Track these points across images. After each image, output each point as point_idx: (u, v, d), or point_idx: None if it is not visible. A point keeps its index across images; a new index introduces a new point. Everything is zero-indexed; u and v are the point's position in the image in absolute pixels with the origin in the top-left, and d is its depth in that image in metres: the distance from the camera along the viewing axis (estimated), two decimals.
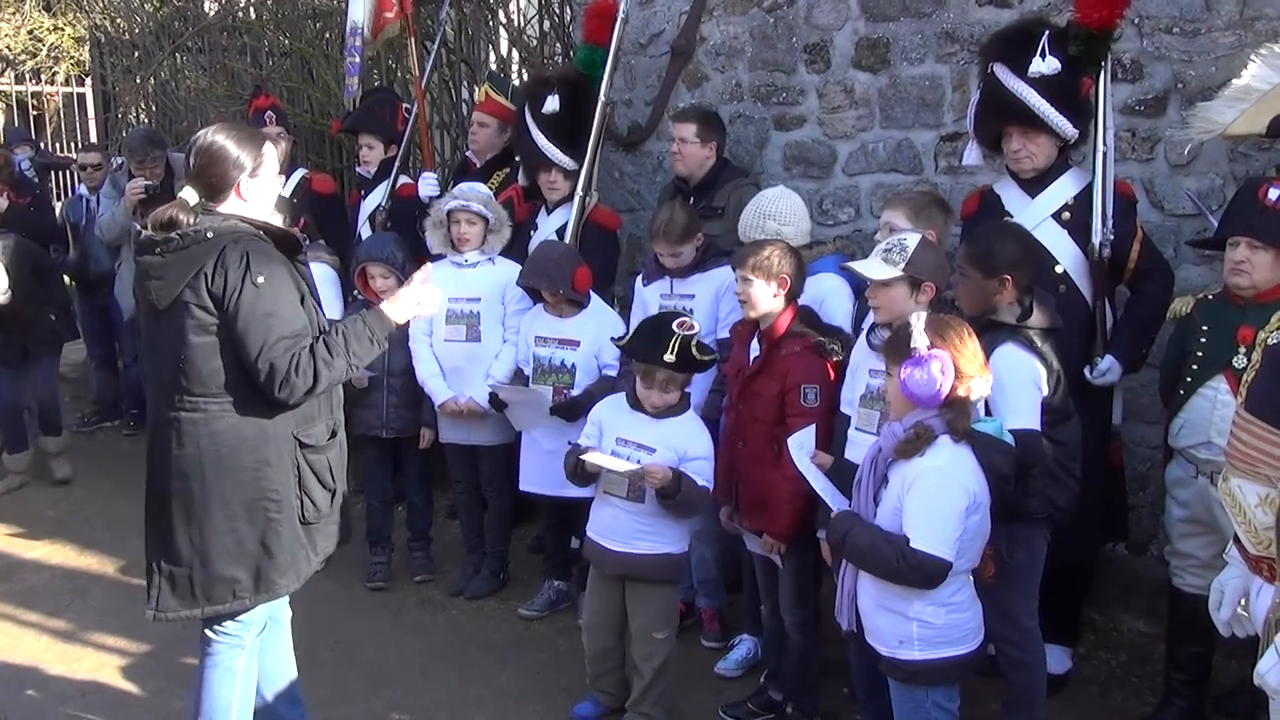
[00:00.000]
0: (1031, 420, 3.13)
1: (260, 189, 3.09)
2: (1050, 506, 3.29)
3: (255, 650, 3.25)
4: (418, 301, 3.20)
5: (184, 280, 2.94)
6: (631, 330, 3.74)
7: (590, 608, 3.83)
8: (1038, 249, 3.44)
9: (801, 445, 3.25)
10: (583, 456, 3.62)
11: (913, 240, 3.27)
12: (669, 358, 3.54)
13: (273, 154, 3.13)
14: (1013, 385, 3.13)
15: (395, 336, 4.68)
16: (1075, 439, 3.35)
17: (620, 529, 3.67)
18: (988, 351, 3.07)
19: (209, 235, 2.95)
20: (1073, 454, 3.33)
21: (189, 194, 3.04)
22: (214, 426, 2.99)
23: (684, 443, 3.64)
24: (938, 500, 2.78)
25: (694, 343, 3.58)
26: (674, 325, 3.58)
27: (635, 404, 3.69)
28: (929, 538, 2.76)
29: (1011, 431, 3.04)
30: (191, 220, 2.97)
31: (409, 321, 4.74)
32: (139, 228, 3.05)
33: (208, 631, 3.21)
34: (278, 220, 3.20)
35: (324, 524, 3.18)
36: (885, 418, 3.17)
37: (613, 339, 4.02)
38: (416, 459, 5.07)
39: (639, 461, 3.59)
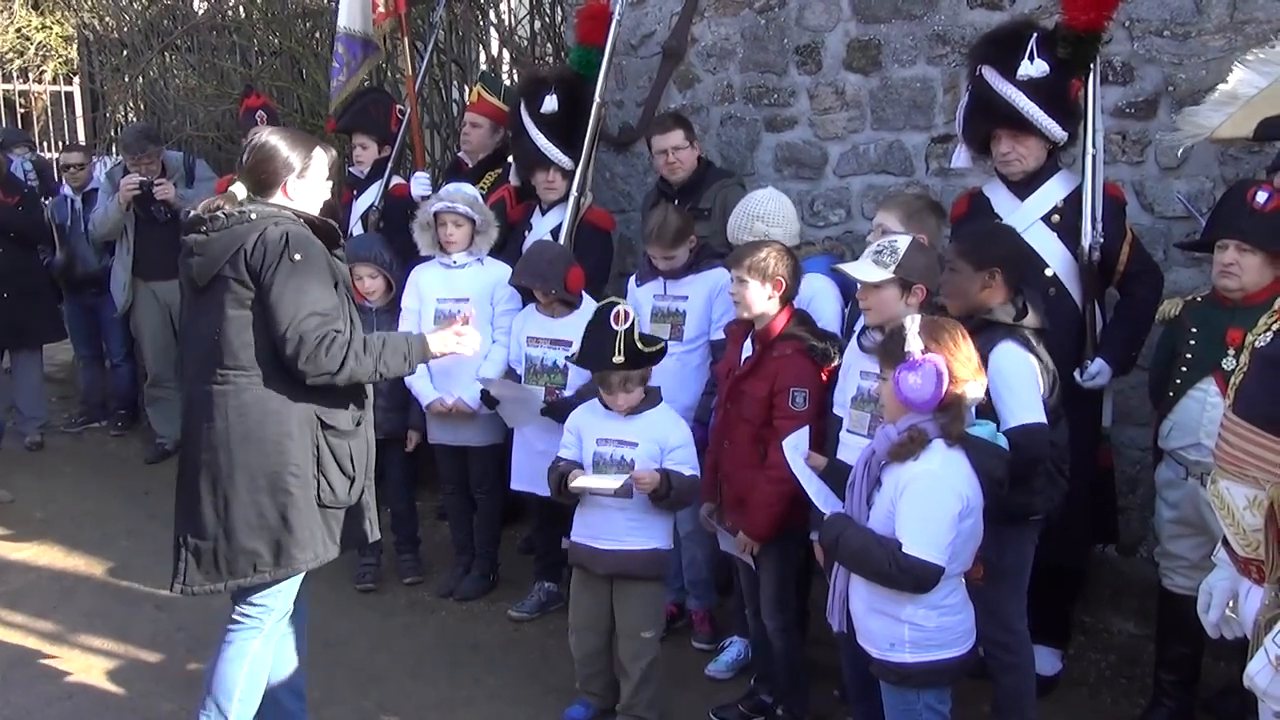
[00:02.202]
0: (1037, 414, 3.12)
1: (307, 190, 3.24)
2: (1049, 505, 3.30)
3: (272, 636, 3.28)
4: (458, 341, 3.39)
5: (225, 257, 3.07)
6: (579, 343, 3.77)
7: (577, 610, 3.82)
8: (1026, 248, 3.44)
9: (796, 447, 3.25)
10: (572, 485, 3.62)
11: (904, 242, 3.26)
12: (618, 359, 3.56)
13: (322, 158, 3.27)
14: (1017, 381, 3.13)
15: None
16: (1065, 440, 3.35)
17: (611, 528, 3.67)
18: (985, 350, 3.07)
19: (252, 217, 3.10)
20: (1064, 454, 3.33)
21: (238, 188, 3.19)
22: (242, 399, 3.09)
23: (663, 433, 3.66)
24: (930, 505, 2.78)
25: (636, 336, 3.59)
26: (612, 324, 3.59)
27: (608, 406, 3.71)
28: (921, 542, 2.75)
29: (1019, 427, 3.05)
30: (236, 208, 3.12)
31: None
32: (188, 213, 3.21)
33: (233, 614, 3.26)
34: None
35: (342, 513, 3.24)
36: (877, 420, 3.17)
37: (566, 358, 4.09)
38: (399, 464, 5.05)
39: (624, 458, 3.62)
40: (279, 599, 3.25)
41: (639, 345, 3.59)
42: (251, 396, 3.09)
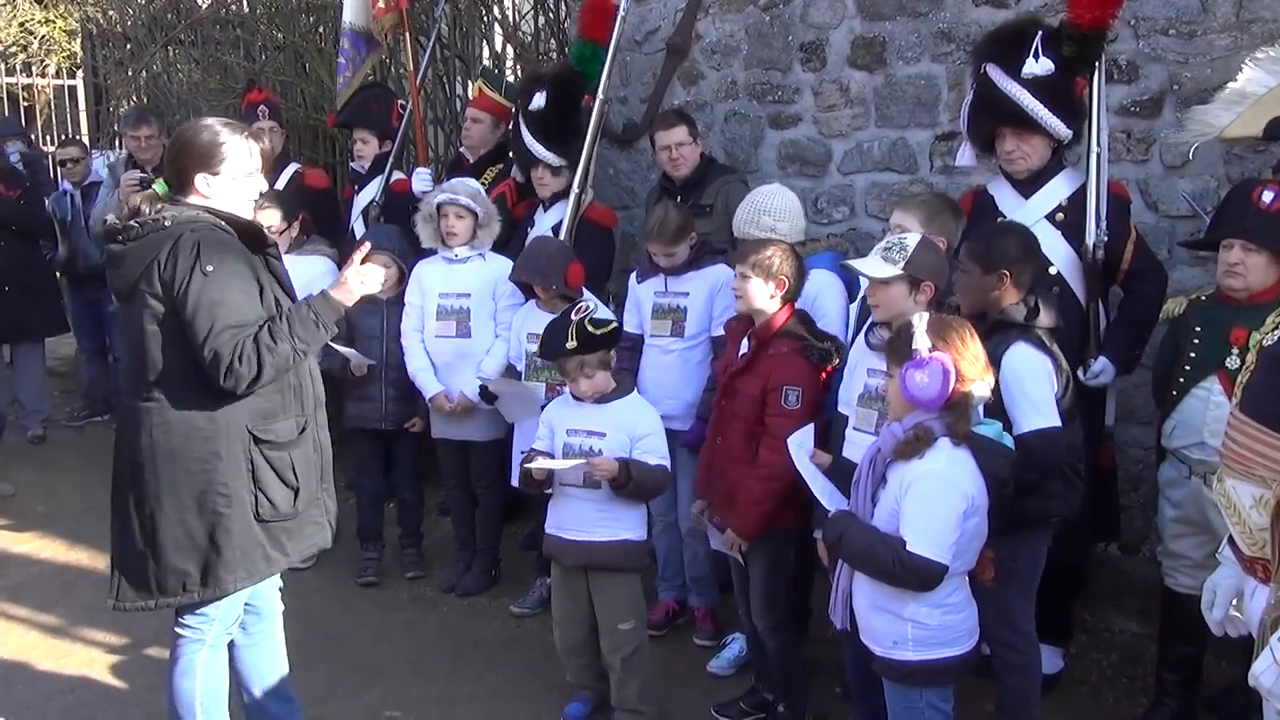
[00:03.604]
0: (1053, 418, 3.10)
1: (222, 187, 3.04)
2: (1066, 508, 3.28)
3: (219, 644, 3.22)
4: (361, 280, 3.15)
5: (139, 269, 2.94)
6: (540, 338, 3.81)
7: (557, 604, 3.82)
8: (1038, 248, 3.44)
9: (801, 445, 3.25)
10: (526, 465, 3.62)
11: (913, 239, 3.26)
12: (570, 344, 3.56)
13: (240, 150, 3.05)
14: (1031, 384, 3.12)
15: (391, 331, 4.75)
16: (1080, 440, 3.34)
17: (580, 518, 3.66)
18: (999, 351, 3.05)
19: (167, 224, 2.95)
20: (1080, 455, 3.32)
21: (159, 185, 3.06)
22: (166, 416, 2.98)
23: (632, 423, 3.65)
24: (935, 504, 2.77)
25: (588, 320, 3.59)
26: (571, 315, 3.62)
27: (576, 397, 3.72)
28: (925, 541, 2.75)
29: (1034, 431, 3.03)
30: (154, 210, 2.97)
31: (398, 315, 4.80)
32: (109, 221, 3.08)
33: (175, 627, 3.20)
34: (249, 214, 3.14)
35: (293, 523, 3.13)
36: (884, 417, 3.16)
37: (531, 352, 4.09)
38: (409, 454, 5.06)
39: (592, 449, 3.61)
40: (220, 609, 3.15)
41: (590, 329, 3.58)
42: (175, 415, 2.96)
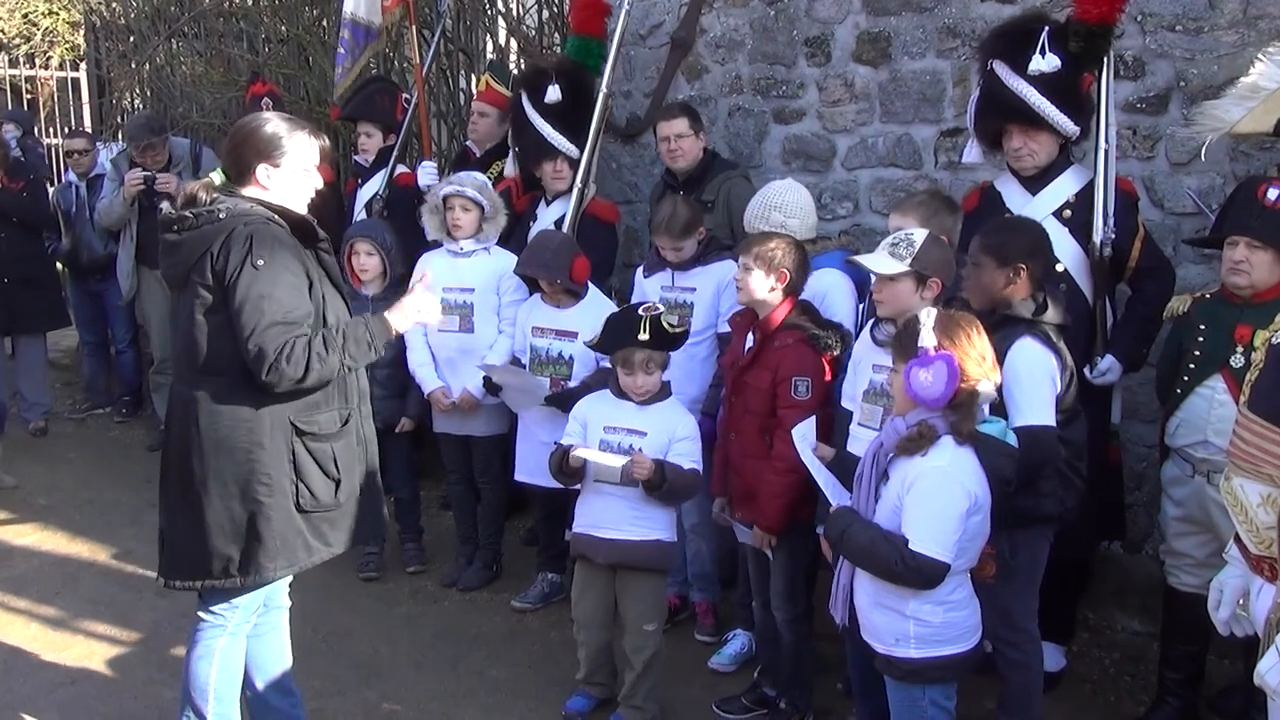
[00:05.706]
0: (1047, 416, 3.10)
1: (282, 179, 3.08)
2: (1061, 507, 3.27)
3: (239, 633, 3.24)
4: (418, 309, 3.24)
5: (192, 260, 2.98)
6: (599, 330, 3.79)
7: (585, 606, 3.81)
8: (1049, 243, 3.42)
9: (804, 437, 3.24)
10: (574, 453, 3.61)
11: (920, 235, 3.24)
12: (643, 336, 3.57)
13: (304, 145, 3.10)
14: (1030, 380, 3.11)
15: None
16: (1083, 438, 3.33)
17: (613, 516, 3.66)
18: (1005, 345, 3.04)
19: (221, 215, 2.97)
20: (1080, 453, 3.31)
21: (216, 174, 3.11)
22: (213, 405, 3.02)
23: (672, 424, 3.67)
24: (938, 502, 2.76)
25: (663, 319, 3.62)
26: (639, 310, 3.64)
27: (620, 395, 3.71)
28: (928, 539, 2.73)
29: (1027, 427, 3.02)
30: (210, 199, 3.00)
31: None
32: (164, 209, 3.11)
33: (199, 612, 3.22)
34: (304, 208, 3.16)
35: (335, 514, 3.16)
36: (888, 413, 3.14)
37: (585, 343, 4.09)
38: (401, 453, 5.03)
39: (631, 447, 3.60)
40: (245, 597, 3.18)
41: (665, 327, 3.61)
42: (222, 404, 3.00)
